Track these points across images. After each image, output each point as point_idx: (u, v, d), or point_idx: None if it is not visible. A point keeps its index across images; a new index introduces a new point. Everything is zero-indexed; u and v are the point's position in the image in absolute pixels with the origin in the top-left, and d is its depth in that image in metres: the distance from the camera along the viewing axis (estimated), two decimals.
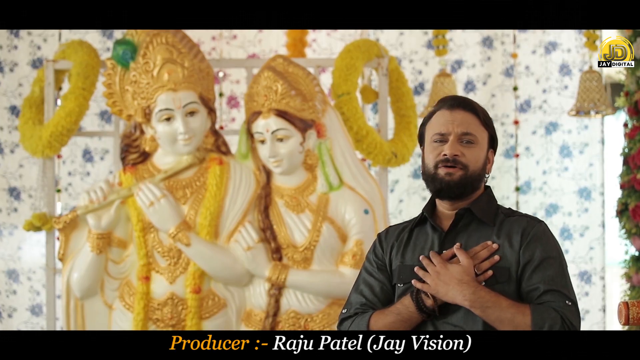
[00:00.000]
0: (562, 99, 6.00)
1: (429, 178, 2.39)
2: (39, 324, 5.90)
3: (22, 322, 5.97)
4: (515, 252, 2.33)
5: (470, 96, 6.01)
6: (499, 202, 2.49)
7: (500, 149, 5.97)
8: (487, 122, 2.43)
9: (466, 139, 2.37)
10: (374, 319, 2.37)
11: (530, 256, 2.32)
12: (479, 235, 2.37)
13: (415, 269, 2.35)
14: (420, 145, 2.48)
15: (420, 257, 2.35)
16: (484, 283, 2.30)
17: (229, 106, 6.09)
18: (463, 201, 2.40)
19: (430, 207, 2.45)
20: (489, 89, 6.04)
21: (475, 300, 2.26)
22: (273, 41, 6.06)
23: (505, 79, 6.00)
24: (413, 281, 2.34)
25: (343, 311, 2.46)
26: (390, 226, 2.54)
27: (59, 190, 5.03)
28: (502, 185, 5.90)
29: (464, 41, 6.04)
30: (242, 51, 6.08)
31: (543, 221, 2.42)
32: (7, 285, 5.99)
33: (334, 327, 4.21)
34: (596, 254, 6.00)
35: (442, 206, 2.43)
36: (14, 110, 5.89)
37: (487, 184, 2.48)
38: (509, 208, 2.49)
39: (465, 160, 2.36)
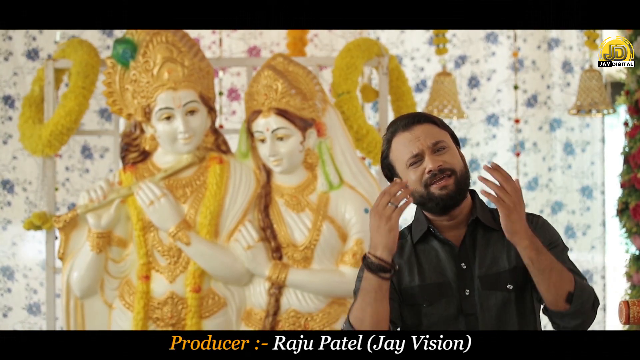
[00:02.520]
0: (565, 96, 5.96)
1: (425, 200, 2.35)
2: (37, 324, 5.77)
3: (18, 321, 5.82)
4: None
5: (474, 92, 6.00)
6: None
7: (508, 144, 5.95)
8: (442, 124, 2.42)
9: (438, 147, 2.36)
10: (352, 314, 2.29)
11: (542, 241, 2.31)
12: (491, 242, 2.38)
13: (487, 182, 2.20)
14: (389, 179, 2.43)
15: (490, 164, 2.20)
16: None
17: (230, 99, 6.05)
18: (458, 207, 2.39)
19: (427, 221, 2.42)
20: (494, 84, 6.00)
21: (534, 239, 2.23)
22: (274, 33, 6.00)
23: (512, 73, 5.95)
24: (482, 191, 2.22)
25: None
26: None
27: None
28: None
29: (468, 36, 6.01)
30: (242, 43, 6.04)
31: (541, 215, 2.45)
32: (1, 283, 5.83)
33: (334, 327, 4.21)
34: (597, 252, 5.99)
35: (440, 219, 2.40)
36: (7, 100, 5.80)
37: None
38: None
39: (450, 166, 2.35)
